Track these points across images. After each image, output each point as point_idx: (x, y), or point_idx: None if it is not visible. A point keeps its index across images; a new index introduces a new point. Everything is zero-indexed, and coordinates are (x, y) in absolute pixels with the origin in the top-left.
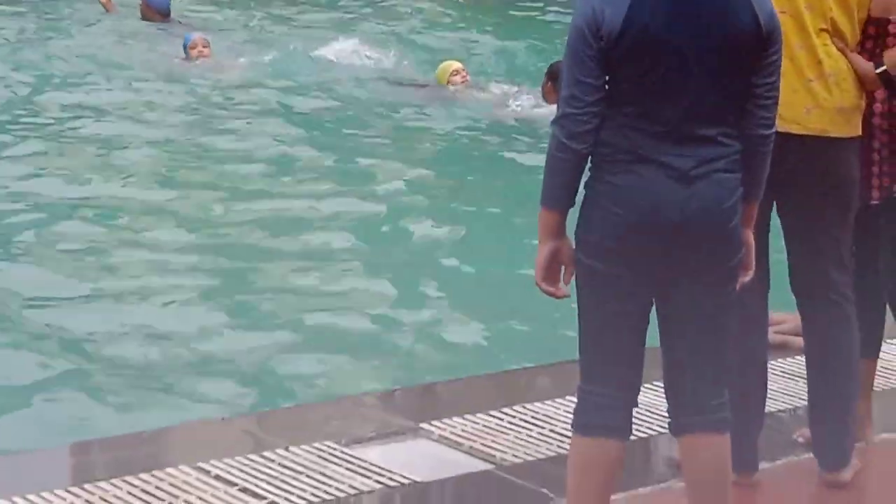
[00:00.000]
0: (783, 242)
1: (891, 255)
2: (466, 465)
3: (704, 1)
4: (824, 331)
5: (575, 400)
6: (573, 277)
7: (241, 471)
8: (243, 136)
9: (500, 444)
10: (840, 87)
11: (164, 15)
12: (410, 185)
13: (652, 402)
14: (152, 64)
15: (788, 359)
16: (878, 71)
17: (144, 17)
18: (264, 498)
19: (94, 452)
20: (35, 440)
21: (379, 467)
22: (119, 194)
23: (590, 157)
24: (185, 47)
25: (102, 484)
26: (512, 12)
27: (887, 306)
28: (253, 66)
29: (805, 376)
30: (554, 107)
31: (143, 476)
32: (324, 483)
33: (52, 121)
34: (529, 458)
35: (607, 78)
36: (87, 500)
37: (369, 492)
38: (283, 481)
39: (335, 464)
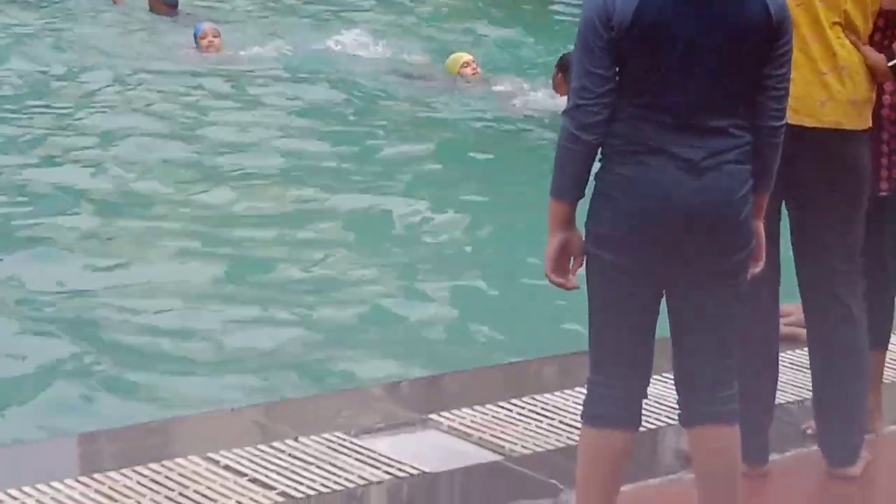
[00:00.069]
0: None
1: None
2: (475, 455)
3: None
4: (830, 329)
5: (584, 391)
6: (583, 268)
7: (251, 461)
8: (253, 126)
9: (509, 435)
10: (853, 80)
11: (172, 6)
12: (419, 176)
13: (661, 393)
14: (162, 55)
15: (797, 350)
16: (890, 64)
17: (152, 9)
18: (274, 488)
19: (103, 442)
20: (44, 430)
21: (388, 458)
22: (129, 186)
23: (600, 149)
24: (195, 37)
25: (112, 474)
26: (522, 5)
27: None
28: (262, 56)
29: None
30: (564, 98)
31: (153, 466)
32: (333, 473)
33: (61, 112)
34: (538, 450)
35: (618, 69)
36: (97, 490)
37: (378, 482)
38: (292, 471)
39: (344, 454)
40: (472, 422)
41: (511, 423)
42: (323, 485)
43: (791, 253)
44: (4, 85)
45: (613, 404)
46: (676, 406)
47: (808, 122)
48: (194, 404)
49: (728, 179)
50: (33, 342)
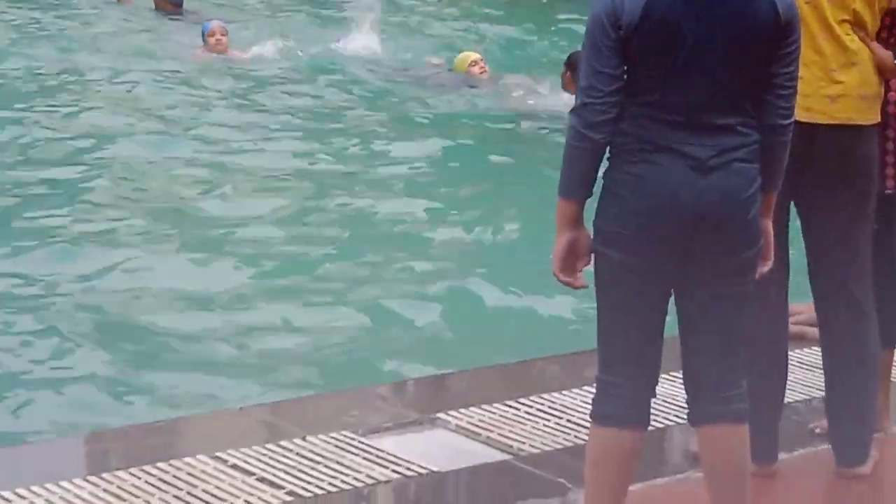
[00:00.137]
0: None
1: None
2: (483, 455)
3: None
4: (841, 328)
5: (592, 390)
6: (590, 267)
7: (259, 460)
8: (260, 125)
9: (516, 434)
10: (863, 76)
11: (177, 5)
12: (426, 176)
13: (669, 392)
14: (169, 54)
15: (805, 349)
16: None
17: (158, 7)
18: (282, 487)
19: (111, 442)
20: (52, 430)
21: (396, 457)
22: (135, 185)
23: (608, 147)
24: (203, 35)
25: (120, 473)
26: (531, 3)
27: None
28: (268, 56)
29: (821, 367)
30: (573, 97)
31: (161, 465)
32: (341, 472)
33: (68, 111)
34: (546, 449)
35: (626, 67)
36: (105, 490)
37: (386, 481)
38: (300, 471)
39: (352, 453)
40: (480, 421)
41: (519, 422)
42: (331, 484)
43: (801, 252)
44: (11, 84)
45: (622, 403)
46: (685, 405)
47: (819, 119)
48: (202, 404)
49: (736, 178)
50: (41, 341)
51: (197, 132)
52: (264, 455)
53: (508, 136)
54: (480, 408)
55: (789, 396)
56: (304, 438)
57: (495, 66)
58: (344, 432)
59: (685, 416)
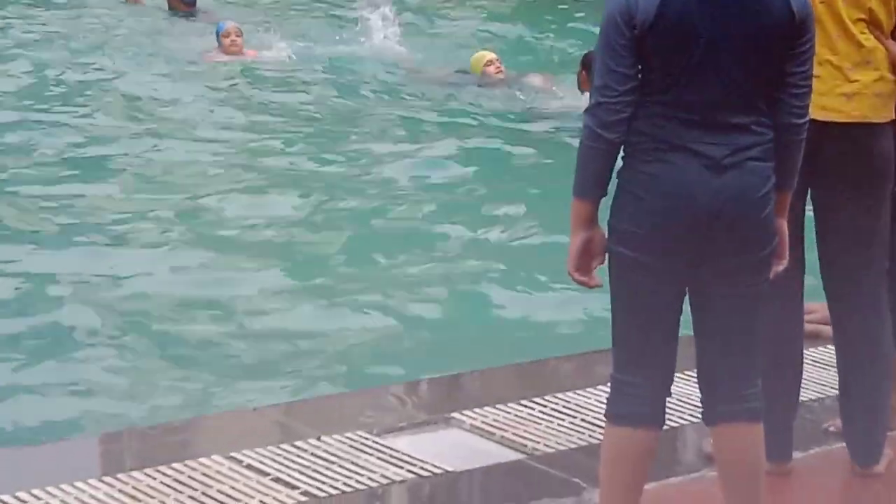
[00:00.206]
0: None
1: None
2: (498, 454)
3: None
4: (855, 328)
5: (606, 389)
6: (605, 266)
7: (273, 460)
8: (275, 126)
9: (531, 433)
10: (879, 74)
11: (190, 4)
12: (441, 176)
13: (683, 391)
14: (183, 55)
15: (819, 348)
16: None
17: (171, 7)
18: (296, 487)
19: (125, 442)
20: (67, 430)
21: (410, 457)
22: (147, 186)
23: (623, 147)
24: (217, 35)
25: (135, 473)
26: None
27: None
28: (283, 56)
29: (835, 365)
30: (588, 96)
31: (176, 465)
32: (355, 472)
33: (81, 113)
34: (561, 448)
35: (640, 67)
36: (120, 490)
37: (401, 481)
38: (315, 471)
39: (367, 453)
40: (494, 420)
41: (533, 421)
42: (345, 484)
43: (814, 251)
44: (26, 86)
45: (637, 403)
46: (699, 404)
47: (834, 117)
48: (217, 404)
49: (751, 177)
50: (56, 342)
51: (212, 134)
52: (279, 455)
53: (524, 137)
54: (495, 407)
55: (804, 395)
56: (318, 438)
57: (511, 65)
58: (358, 432)
59: (700, 416)
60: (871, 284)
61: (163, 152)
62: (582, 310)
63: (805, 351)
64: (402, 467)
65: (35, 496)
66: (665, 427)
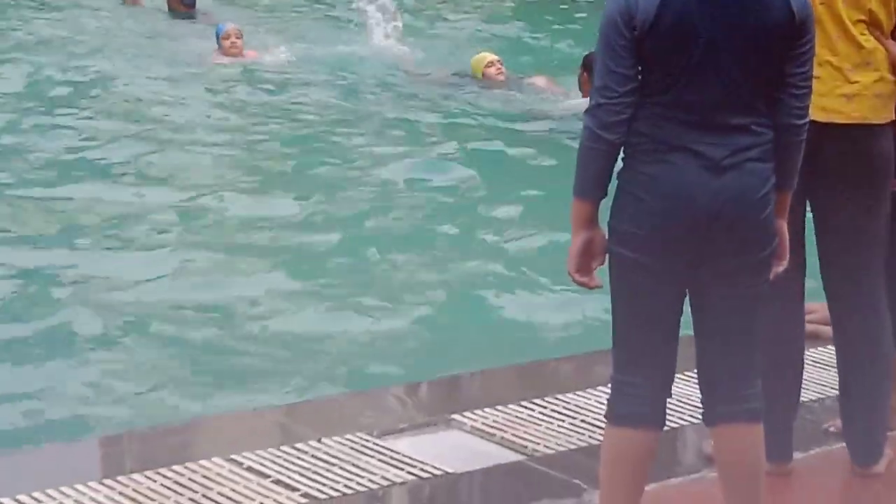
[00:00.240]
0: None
1: None
2: (498, 456)
3: None
4: (855, 328)
5: (606, 390)
6: (605, 266)
7: (274, 462)
8: (276, 128)
9: (531, 434)
10: (879, 74)
11: (189, 5)
12: (442, 177)
13: (684, 392)
14: (183, 57)
15: (820, 348)
16: None
17: (171, 8)
18: (297, 489)
19: (126, 444)
20: (67, 433)
21: (410, 458)
22: (146, 189)
23: (623, 148)
24: (217, 37)
25: (136, 476)
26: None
27: None
28: (284, 58)
29: (835, 366)
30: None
31: (176, 468)
32: (356, 474)
33: (85, 115)
34: (561, 449)
35: (640, 67)
36: (120, 493)
37: (401, 483)
38: (315, 473)
39: (367, 455)
40: (495, 422)
41: (533, 422)
42: (346, 486)
43: (814, 251)
44: (27, 89)
45: (638, 403)
46: (699, 405)
47: (834, 119)
48: (217, 406)
49: (750, 177)
50: (56, 344)
51: (212, 136)
52: (279, 457)
53: (525, 138)
54: (495, 409)
55: (804, 395)
56: (318, 440)
57: (512, 67)
58: (359, 434)
59: (700, 416)
60: (870, 284)
61: (163, 154)
62: (582, 311)
63: (805, 351)
64: (402, 469)
65: (35, 499)
66: (665, 428)
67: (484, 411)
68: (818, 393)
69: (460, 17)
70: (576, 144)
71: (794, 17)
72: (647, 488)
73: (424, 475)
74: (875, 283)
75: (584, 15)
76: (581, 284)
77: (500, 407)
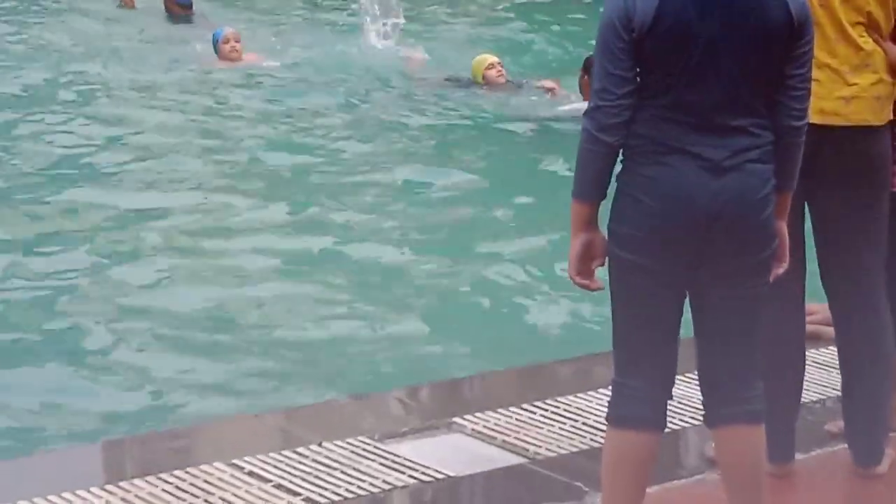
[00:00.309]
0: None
1: None
2: (499, 459)
3: None
4: (856, 329)
5: (607, 393)
6: (605, 268)
7: (275, 467)
8: (277, 132)
9: (532, 437)
10: (878, 76)
11: (186, 7)
12: (442, 180)
13: (685, 394)
14: (181, 61)
15: (821, 349)
16: None
17: (168, 11)
18: (298, 494)
19: (126, 450)
20: (67, 438)
21: (412, 462)
22: (145, 194)
23: (622, 150)
24: (214, 42)
25: (136, 481)
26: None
27: None
28: (284, 62)
29: (837, 366)
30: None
31: (177, 473)
32: (357, 478)
33: (84, 119)
34: (563, 452)
35: (638, 70)
36: (122, 499)
37: (402, 487)
38: (316, 477)
39: (369, 459)
40: (496, 425)
41: (534, 425)
42: (347, 490)
43: (814, 252)
44: (25, 93)
45: (638, 406)
46: (700, 407)
47: (833, 121)
48: (218, 411)
49: (750, 179)
50: (57, 348)
51: (212, 140)
52: (280, 462)
53: (525, 140)
54: (496, 412)
55: (805, 396)
56: (320, 444)
57: (513, 69)
58: (360, 438)
59: (701, 418)
60: (870, 284)
61: (164, 159)
62: (582, 313)
63: (806, 352)
64: (403, 473)
65: None
66: (666, 430)
67: (485, 414)
68: (819, 394)
69: (460, 19)
70: (576, 147)
71: (793, 19)
72: (649, 490)
73: (426, 479)
74: (875, 283)
75: (584, 17)
76: (582, 287)
77: (500, 410)
